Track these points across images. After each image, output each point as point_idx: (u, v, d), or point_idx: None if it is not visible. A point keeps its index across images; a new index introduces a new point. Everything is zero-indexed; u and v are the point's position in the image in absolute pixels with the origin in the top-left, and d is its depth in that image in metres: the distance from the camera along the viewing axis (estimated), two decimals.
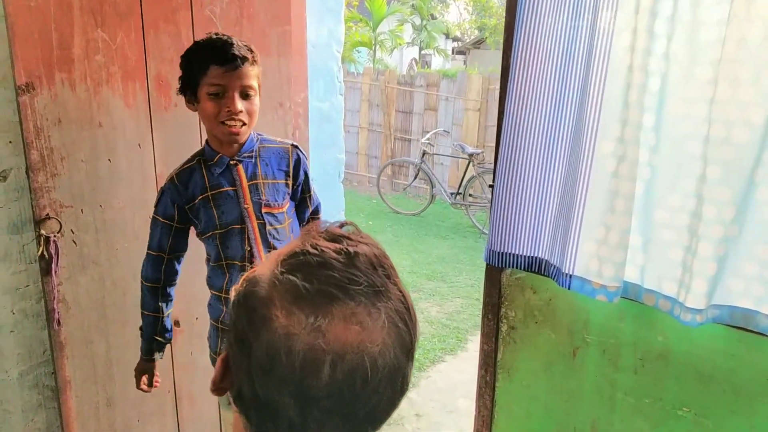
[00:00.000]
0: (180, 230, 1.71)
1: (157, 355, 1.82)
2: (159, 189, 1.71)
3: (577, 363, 1.72)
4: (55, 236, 1.83)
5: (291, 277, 0.56)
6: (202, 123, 2.09)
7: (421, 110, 9.24)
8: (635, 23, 1.42)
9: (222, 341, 1.78)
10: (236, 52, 1.53)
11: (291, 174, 1.75)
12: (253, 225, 1.67)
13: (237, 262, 1.68)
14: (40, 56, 1.74)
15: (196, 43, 1.62)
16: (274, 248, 1.70)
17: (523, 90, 1.63)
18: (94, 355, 2.00)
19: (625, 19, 1.44)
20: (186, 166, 1.68)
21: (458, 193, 7.53)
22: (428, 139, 8.15)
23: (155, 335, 1.78)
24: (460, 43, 23.12)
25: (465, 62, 21.01)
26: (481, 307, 1.92)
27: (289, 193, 1.77)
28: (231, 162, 1.66)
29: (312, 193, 1.86)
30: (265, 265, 0.60)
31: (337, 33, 2.62)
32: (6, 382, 1.87)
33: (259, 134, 1.72)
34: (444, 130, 8.56)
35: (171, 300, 1.80)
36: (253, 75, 1.58)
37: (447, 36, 21.70)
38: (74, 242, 1.90)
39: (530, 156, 1.66)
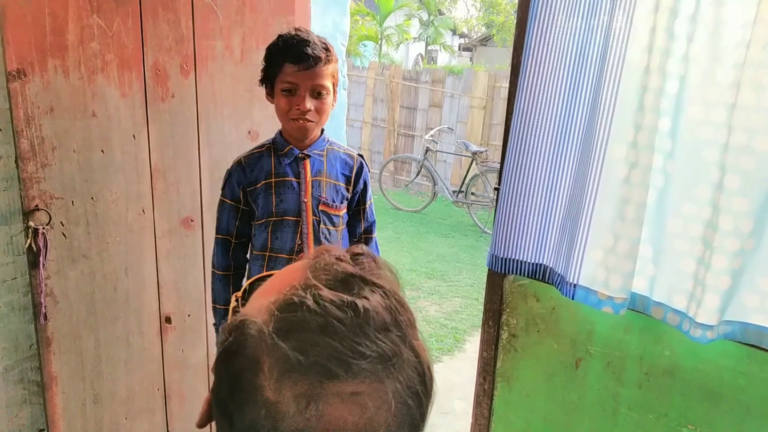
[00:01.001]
0: (246, 213, 1.72)
1: None
2: (226, 172, 1.73)
3: (579, 375, 1.66)
4: (44, 228, 1.77)
5: (283, 344, 0.46)
6: (199, 116, 2.05)
7: (425, 106, 9.16)
8: (654, 22, 1.35)
9: None
10: (310, 52, 1.55)
11: (352, 180, 1.78)
12: (308, 219, 1.70)
13: (283, 255, 1.70)
14: (32, 41, 1.68)
15: (278, 37, 1.64)
16: None
17: (533, 89, 1.56)
18: (82, 351, 1.95)
19: (643, 18, 1.37)
20: (255, 151, 1.73)
21: (460, 191, 7.47)
22: (432, 135, 8.08)
23: None
24: (466, 39, 22.99)
25: (471, 59, 20.88)
26: (480, 307, 1.86)
27: (347, 198, 1.79)
28: (300, 155, 1.69)
29: (367, 207, 1.86)
30: (256, 308, 0.50)
31: (343, 25, 2.54)
32: None
33: (329, 137, 1.77)
34: (448, 128, 8.49)
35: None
36: (326, 74, 1.61)
37: (454, 32, 21.58)
38: (64, 235, 1.84)
39: (538, 158, 1.59)
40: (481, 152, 7.39)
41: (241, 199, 1.70)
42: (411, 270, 5.49)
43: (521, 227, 1.66)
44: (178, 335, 2.16)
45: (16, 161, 1.73)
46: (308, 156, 1.70)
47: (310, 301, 0.47)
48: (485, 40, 20.40)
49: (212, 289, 1.79)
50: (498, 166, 7.21)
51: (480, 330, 1.85)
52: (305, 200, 1.69)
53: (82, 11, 1.74)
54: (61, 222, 1.83)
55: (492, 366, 1.82)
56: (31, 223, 1.76)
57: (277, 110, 1.66)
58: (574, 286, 1.54)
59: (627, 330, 1.56)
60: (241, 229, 1.73)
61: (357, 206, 1.84)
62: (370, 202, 1.87)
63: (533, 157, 1.60)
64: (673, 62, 1.36)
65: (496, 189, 1.72)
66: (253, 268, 1.75)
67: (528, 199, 1.63)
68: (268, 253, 1.71)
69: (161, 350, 2.14)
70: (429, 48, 20.82)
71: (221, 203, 1.73)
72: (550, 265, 1.64)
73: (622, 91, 1.41)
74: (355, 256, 0.53)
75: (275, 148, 1.71)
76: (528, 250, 1.66)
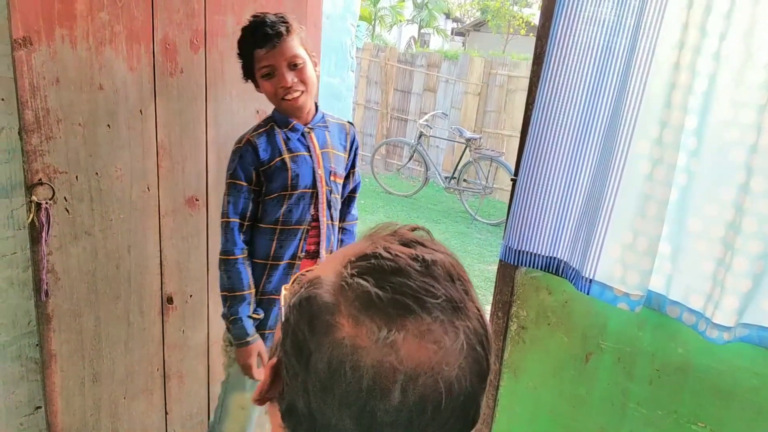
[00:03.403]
0: (256, 192, 1.71)
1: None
2: (232, 153, 1.70)
3: (589, 369, 1.66)
4: (47, 203, 1.72)
5: (362, 281, 0.48)
6: (207, 93, 2.00)
7: (420, 90, 9.11)
8: (686, 18, 1.33)
9: (266, 338, 1.73)
10: (270, 31, 1.58)
11: (348, 148, 1.85)
12: (322, 190, 1.74)
13: (296, 226, 1.71)
14: (39, 9, 1.61)
15: (242, 30, 1.66)
16: (332, 217, 1.80)
17: (557, 80, 1.54)
18: (82, 329, 1.91)
19: (675, 14, 1.35)
20: (261, 129, 1.71)
21: (452, 178, 7.46)
22: (426, 120, 8.04)
23: (251, 314, 1.70)
24: (459, 24, 22.84)
25: (464, 44, 20.77)
26: None
27: (347, 167, 1.86)
28: (305, 130, 1.73)
29: (356, 169, 1.93)
30: (328, 267, 0.53)
31: (353, 5, 2.49)
32: None
33: (322, 110, 1.80)
34: (442, 113, 8.46)
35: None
36: (295, 45, 1.62)
37: (447, 16, 21.42)
38: (67, 210, 1.79)
39: (558, 150, 1.58)
40: (475, 139, 7.38)
41: (254, 180, 1.68)
42: None
43: (537, 220, 1.64)
44: (179, 316, 2.13)
45: (19, 133, 1.67)
46: (312, 129, 1.74)
47: (382, 251, 0.50)
48: (479, 26, 20.28)
49: (228, 276, 1.68)
50: (491, 153, 7.21)
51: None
52: (320, 172, 1.72)
53: None
54: (65, 197, 1.78)
55: (500, 357, 1.82)
56: (34, 198, 1.70)
57: (267, 97, 1.69)
58: (590, 281, 1.53)
59: (640, 326, 1.56)
60: (254, 210, 1.71)
61: (348, 170, 1.91)
62: (357, 168, 1.95)
63: (553, 150, 1.58)
64: (703, 60, 1.34)
65: (513, 180, 1.70)
66: (262, 242, 1.72)
67: (546, 191, 1.61)
68: (279, 227, 1.71)
69: (162, 330, 2.10)
70: (422, 31, 20.66)
71: (233, 185, 1.68)
72: (565, 259, 1.63)
73: (649, 87, 1.40)
74: (412, 230, 0.56)
75: (278, 124, 1.71)
76: (543, 242, 1.65)
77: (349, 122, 1.89)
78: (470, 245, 6.10)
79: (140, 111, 1.87)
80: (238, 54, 1.68)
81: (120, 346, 2.01)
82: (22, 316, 1.84)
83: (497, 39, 17.85)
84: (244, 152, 1.68)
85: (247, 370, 1.73)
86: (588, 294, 1.54)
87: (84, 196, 1.82)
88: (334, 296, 0.49)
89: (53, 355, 1.86)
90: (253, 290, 1.70)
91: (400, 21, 17.60)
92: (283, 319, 0.53)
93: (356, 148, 1.90)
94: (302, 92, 1.65)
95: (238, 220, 1.69)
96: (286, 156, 1.69)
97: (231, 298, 1.67)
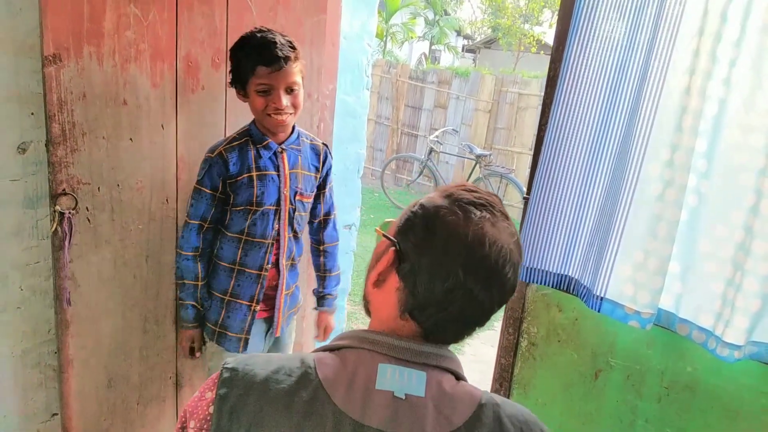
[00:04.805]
0: (222, 200, 1.81)
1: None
2: (203, 161, 1.80)
3: (598, 386, 1.68)
4: (70, 213, 1.77)
5: (461, 193, 0.79)
6: (228, 109, 2.05)
7: (430, 107, 9.18)
8: (697, 45, 1.37)
9: (225, 312, 1.89)
10: (280, 54, 1.66)
11: (320, 168, 1.94)
12: (285, 208, 1.83)
13: (259, 240, 1.83)
14: (69, 28, 1.67)
15: (242, 40, 1.73)
16: (296, 232, 1.91)
17: (570, 102, 1.58)
18: (99, 335, 1.95)
19: (686, 40, 1.39)
20: (235, 142, 1.79)
21: None
22: (437, 136, 8.09)
23: (197, 302, 1.87)
24: (470, 41, 23.00)
25: (474, 60, 20.90)
26: None
27: (316, 186, 1.95)
28: (278, 149, 1.81)
29: (327, 191, 2.02)
30: (432, 198, 0.80)
31: (370, 26, 2.55)
32: (8, 359, 1.82)
33: (299, 129, 1.88)
34: (453, 129, 8.51)
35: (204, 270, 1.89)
36: (296, 71, 1.72)
37: (458, 33, 21.59)
38: (88, 220, 1.84)
39: (571, 171, 1.61)
40: (485, 156, 7.42)
41: (219, 189, 1.79)
42: None
43: (549, 238, 1.67)
44: None
45: (46, 145, 1.73)
46: (285, 150, 1.82)
47: (463, 187, 0.81)
48: (489, 43, 20.42)
49: (177, 267, 1.87)
50: (501, 170, 7.23)
51: (483, 333, 1.87)
52: (285, 192, 1.82)
53: (120, 0, 1.74)
54: (87, 207, 1.83)
55: (509, 373, 1.84)
56: (58, 207, 1.76)
57: (253, 109, 1.76)
58: (601, 299, 1.56)
59: (650, 344, 1.58)
60: (215, 215, 1.82)
61: (319, 190, 2.00)
62: (330, 185, 2.03)
63: (566, 170, 1.62)
64: (714, 85, 1.38)
65: (525, 198, 1.73)
66: (228, 249, 1.85)
67: (558, 210, 1.64)
68: (244, 237, 1.82)
69: (175, 339, 2.14)
70: (433, 48, 20.82)
71: (198, 191, 1.80)
72: (576, 277, 1.65)
73: (661, 111, 1.43)
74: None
75: (253, 140, 1.79)
76: (554, 260, 1.68)
77: (323, 144, 1.97)
78: None
79: (161, 126, 1.92)
80: (233, 60, 1.75)
81: (135, 353, 2.05)
82: (43, 324, 1.89)
83: (508, 56, 17.97)
84: (214, 163, 1.77)
85: (183, 350, 1.96)
86: (599, 311, 1.57)
87: (105, 207, 1.87)
88: (445, 201, 0.78)
89: (70, 360, 1.90)
90: (199, 283, 1.86)
91: (412, 37, 17.76)
92: (402, 224, 0.80)
93: (329, 168, 1.98)
94: (290, 114, 1.74)
95: (197, 222, 1.81)
96: (254, 173, 1.78)
97: (179, 285, 1.88)
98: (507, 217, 0.79)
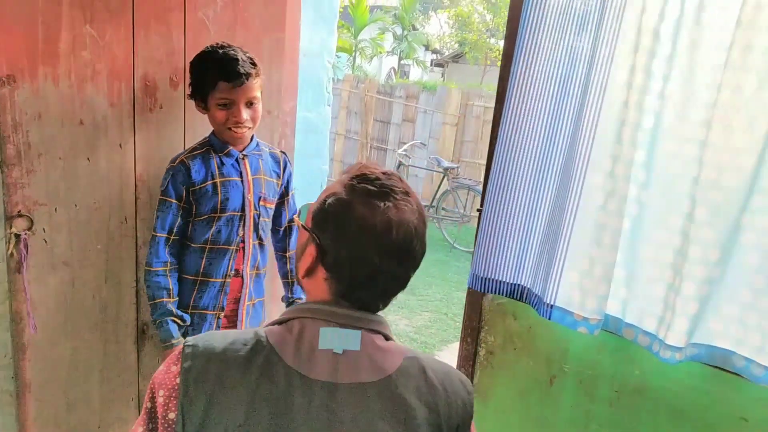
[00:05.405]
0: (185, 211, 1.82)
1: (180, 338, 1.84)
2: (166, 171, 1.82)
3: (553, 392, 1.73)
4: (26, 234, 1.76)
5: (363, 185, 0.88)
6: (186, 128, 2.07)
7: (399, 121, 9.27)
8: (633, 61, 1.44)
9: (193, 328, 1.87)
10: (242, 70, 1.71)
11: (281, 175, 1.99)
12: (250, 214, 1.87)
13: (225, 246, 1.85)
14: (24, 48, 1.68)
15: (204, 54, 1.78)
16: (261, 238, 1.93)
17: (517, 117, 1.63)
18: (57, 359, 1.93)
19: (623, 57, 1.46)
20: (196, 151, 1.83)
21: (431, 206, 7.56)
22: (405, 150, 8.17)
23: (176, 316, 1.82)
24: (438, 55, 23.30)
25: (443, 75, 21.16)
26: (449, 322, 1.92)
27: (278, 193, 1.99)
28: (240, 156, 1.85)
29: (290, 197, 2.06)
30: (335, 185, 0.90)
31: (330, 43, 2.60)
32: None
33: (257, 139, 1.93)
34: (421, 143, 8.60)
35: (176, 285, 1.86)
36: (257, 86, 1.78)
37: (426, 48, 21.84)
38: (45, 241, 1.83)
39: (520, 183, 1.67)
40: (453, 168, 7.51)
41: (183, 198, 1.80)
42: None
43: (501, 249, 1.72)
44: (154, 345, 2.15)
45: (0, 166, 1.72)
46: (246, 156, 1.86)
47: (366, 171, 0.90)
48: (457, 57, 20.72)
49: (148, 286, 1.82)
50: (469, 182, 7.33)
51: (452, 346, 1.91)
52: (249, 197, 1.86)
53: (75, 21, 1.75)
54: (43, 228, 1.82)
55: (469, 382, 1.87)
56: (14, 229, 1.75)
57: (213, 121, 1.80)
58: (551, 306, 1.61)
59: (600, 350, 1.63)
60: (180, 226, 1.83)
61: (281, 198, 2.03)
62: (292, 193, 2.07)
63: (515, 182, 1.67)
64: (650, 99, 1.45)
65: (479, 210, 1.78)
66: (191, 261, 1.85)
67: (509, 221, 1.70)
68: (209, 246, 1.84)
69: (137, 360, 2.13)
70: (402, 62, 21.03)
71: (164, 202, 1.80)
72: (528, 286, 1.70)
73: (602, 124, 1.50)
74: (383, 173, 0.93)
75: (214, 149, 1.83)
76: (507, 270, 1.73)
77: (281, 152, 2.03)
78: (449, 273, 6.17)
79: (119, 145, 1.93)
80: (193, 74, 1.79)
81: (95, 375, 2.03)
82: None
83: (475, 70, 18.25)
84: (176, 171, 1.80)
85: None
86: (550, 319, 1.62)
87: (62, 228, 1.86)
88: (348, 194, 0.87)
89: (28, 384, 1.87)
90: (174, 299, 1.82)
91: (381, 53, 17.92)
92: (317, 217, 0.89)
93: (289, 175, 2.03)
94: (249, 128, 1.81)
95: (164, 235, 1.81)
96: (218, 180, 1.81)
97: (153, 305, 1.81)
98: (407, 193, 0.90)
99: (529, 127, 1.63)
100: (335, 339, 0.86)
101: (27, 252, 1.78)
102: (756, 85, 1.28)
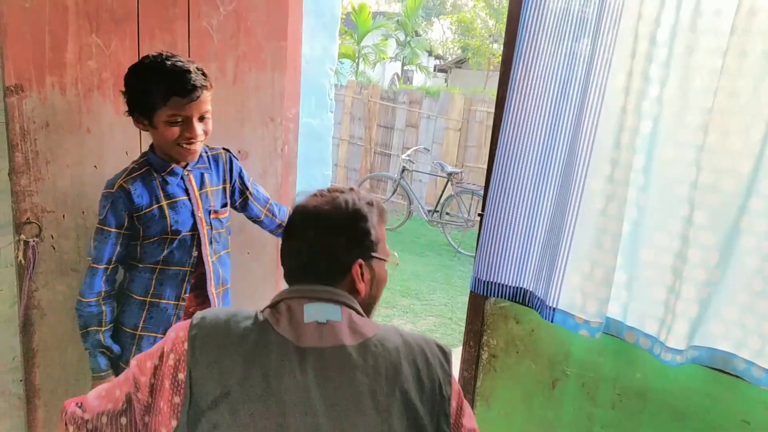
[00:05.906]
0: (129, 236, 1.69)
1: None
2: (103, 198, 1.66)
3: (555, 395, 1.74)
4: (34, 241, 1.79)
5: (299, 209, 1.08)
6: None
7: (402, 126, 9.29)
8: (631, 66, 1.45)
9: (137, 348, 1.73)
10: (196, 83, 1.57)
11: (225, 177, 1.84)
12: (203, 231, 1.75)
13: (178, 267, 1.74)
14: (31, 58, 1.71)
15: (147, 66, 1.60)
16: (217, 251, 1.81)
17: (517, 122, 1.65)
18: (65, 363, 1.95)
19: (621, 62, 1.47)
20: (135, 173, 1.68)
21: (435, 211, 7.57)
22: (409, 155, 8.19)
23: (105, 348, 1.69)
24: (441, 61, 23.37)
25: (446, 80, 21.22)
26: (454, 327, 1.94)
27: (227, 198, 1.85)
28: (184, 173, 1.73)
29: (251, 189, 1.90)
30: (309, 201, 1.08)
31: (332, 50, 2.62)
32: None
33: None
34: (424, 148, 8.62)
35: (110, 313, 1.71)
36: (208, 100, 1.64)
37: (429, 53, 21.91)
38: (53, 248, 1.86)
39: (521, 188, 1.68)
40: (456, 173, 7.53)
41: (125, 224, 1.66)
42: (385, 288, 5.53)
43: (503, 252, 1.74)
44: None
45: (9, 174, 1.75)
46: (190, 171, 1.74)
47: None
48: (460, 63, 20.77)
49: (80, 316, 1.67)
50: (472, 187, 7.34)
51: (456, 350, 1.92)
52: (199, 214, 1.73)
53: (81, 30, 1.78)
54: (52, 235, 1.85)
55: (472, 386, 1.89)
56: (22, 236, 1.77)
57: (162, 139, 1.64)
58: (553, 309, 1.62)
59: (601, 353, 1.64)
60: (120, 254, 1.69)
61: (241, 196, 1.89)
62: (251, 182, 1.91)
63: (516, 187, 1.69)
64: (648, 103, 1.47)
65: (480, 215, 1.80)
66: (140, 282, 1.72)
67: (510, 225, 1.71)
68: (160, 266, 1.71)
69: None
70: (405, 68, 21.09)
71: (101, 231, 1.65)
72: (530, 289, 1.72)
73: (601, 130, 1.52)
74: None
75: (155, 168, 1.69)
76: (509, 274, 1.74)
77: (224, 149, 1.87)
78: (454, 277, 6.17)
79: (125, 152, 1.95)
80: (134, 88, 1.62)
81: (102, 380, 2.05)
82: (7, 352, 1.88)
83: (478, 75, 18.30)
84: (116, 198, 1.63)
85: None
86: (552, 322, 1.63)
87: (70, 234, 1.89)
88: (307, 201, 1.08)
89: (37, 389, 1.90)
90: (105, 327, 1.68)
91: (384, 58, 17.99)
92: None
93: (239, 171, 1.88)
94: (201, 142, 1.67)
95: (103, 266, 1.66)
96: (164, 203, 1.68)
97: (84, 335, 1.68)
98: (340, 192, 1.08)
99: (529, 132, 1.65)
100: (319, 313, 1.00)
101: (35, 259, 1.80)
102: (752, 90, 1.30)
